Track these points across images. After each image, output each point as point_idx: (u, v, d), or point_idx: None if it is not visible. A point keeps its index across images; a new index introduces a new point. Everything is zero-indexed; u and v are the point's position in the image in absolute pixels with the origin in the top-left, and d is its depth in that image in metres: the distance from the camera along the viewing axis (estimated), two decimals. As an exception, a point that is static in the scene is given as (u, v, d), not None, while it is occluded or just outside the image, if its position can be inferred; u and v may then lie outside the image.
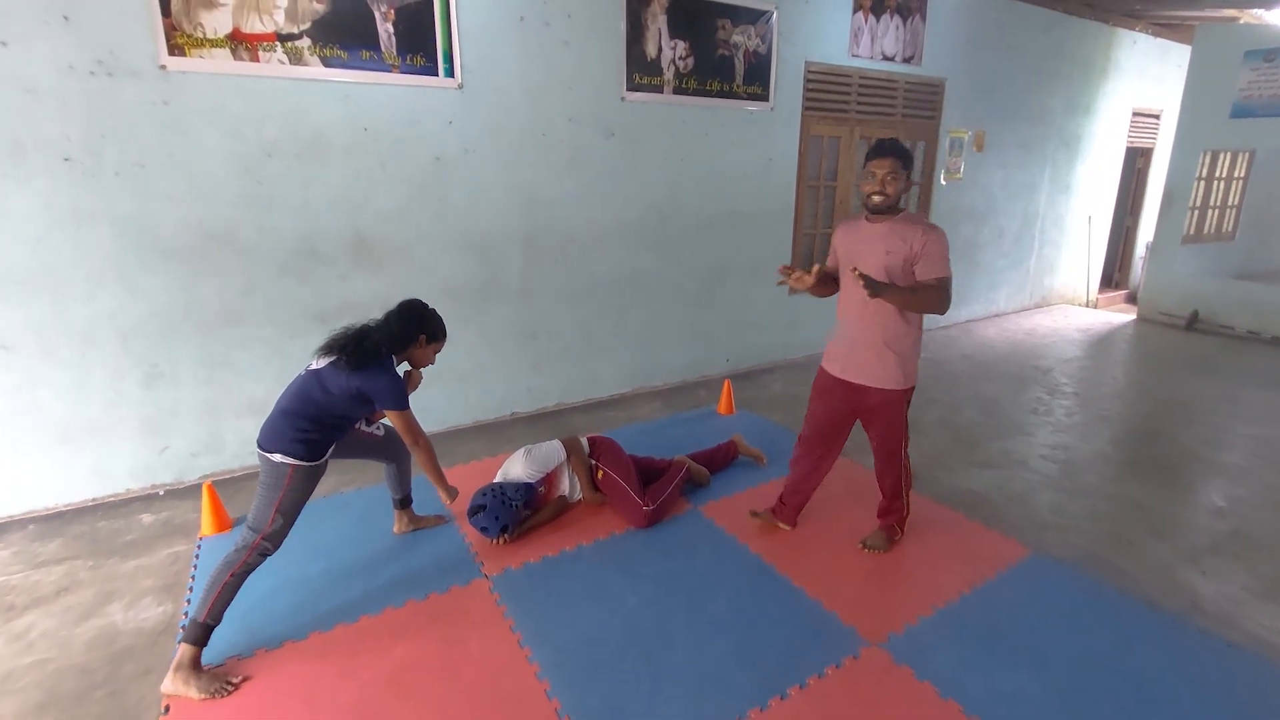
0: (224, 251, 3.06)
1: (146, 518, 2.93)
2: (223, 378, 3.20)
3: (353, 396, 2.19)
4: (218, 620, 2.00)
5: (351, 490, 3.13)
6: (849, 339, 2.36)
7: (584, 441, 3.01)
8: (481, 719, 1.85)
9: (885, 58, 5.04)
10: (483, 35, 3.43)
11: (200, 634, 1.96)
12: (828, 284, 2.39)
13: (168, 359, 3.06)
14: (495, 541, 2.66)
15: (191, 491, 3.13)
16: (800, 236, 5.15)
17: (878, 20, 4.89)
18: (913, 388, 2.40)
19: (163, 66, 2.76)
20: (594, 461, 2.95)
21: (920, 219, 2.23)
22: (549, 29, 3.60)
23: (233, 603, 2.08)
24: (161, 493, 3.14)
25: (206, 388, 3.18)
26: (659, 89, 4.06)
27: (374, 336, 2.26)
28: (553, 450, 2.88)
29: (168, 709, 1.88)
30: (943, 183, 5.90)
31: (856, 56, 4.91)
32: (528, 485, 2.77)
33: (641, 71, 3.96)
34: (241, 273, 3.12)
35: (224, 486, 3.16)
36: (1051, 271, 7.39)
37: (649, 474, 3.03)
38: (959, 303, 6.48)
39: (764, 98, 4.53)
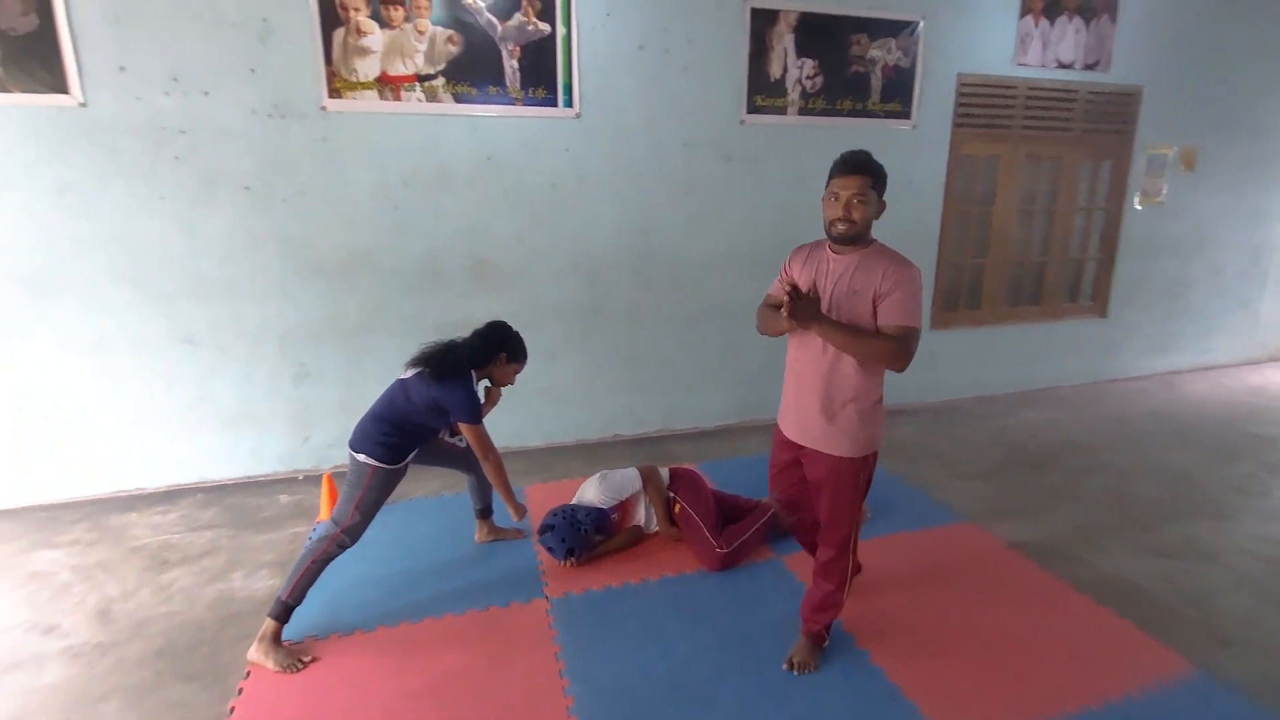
0: (363, 270, 3.44)
1: (284, 498, 3.34)
2: (357, 380, 3.57)
3: (431, 406, 2.32)
4: (298, 601, 2.19)
5: (450, 494, 3.33)
6: (796, 390, 1.97)
7: (664, 472, 2.92)
8: (502, 744, 1.84)
9: (1061, 65, 4.42)
10: (602, 66, 3.54)
11: (282, 611, 2.17)
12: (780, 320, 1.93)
13: (314, 361, 3.49)
14: (563, 563, 2.66)
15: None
16: (945, 266, 4.66)
17: (1052, 24, 4.31)
18: (870, 457, 1.95)
19: (323, 108, 3.19)
20: (672, 494, 2.85)
21: (894, 254, 1.85)
22: (668, 56, 3.63)
23: (324, 588, 2.30)
24: (300, 477, 3.57)
25: (344, 388, 3.57)
26: (782, 110, 3.90)
27: (458, 351, 2.39)
28: (628, 478, 2.84)
29: (248, 674, 2.10)
30: (1138, 207, 5.01)
31: (1023, 65, 4.36)
32: (600, 510, 2.75)
33: (764, 93, 3.84)
34: (377, 289, 3.48)
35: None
36: (1295, 316, 5.95)
37: (732, 513, 2.86)
38: (1156, 350, 5.44)
39: (904, 115, 4.18)
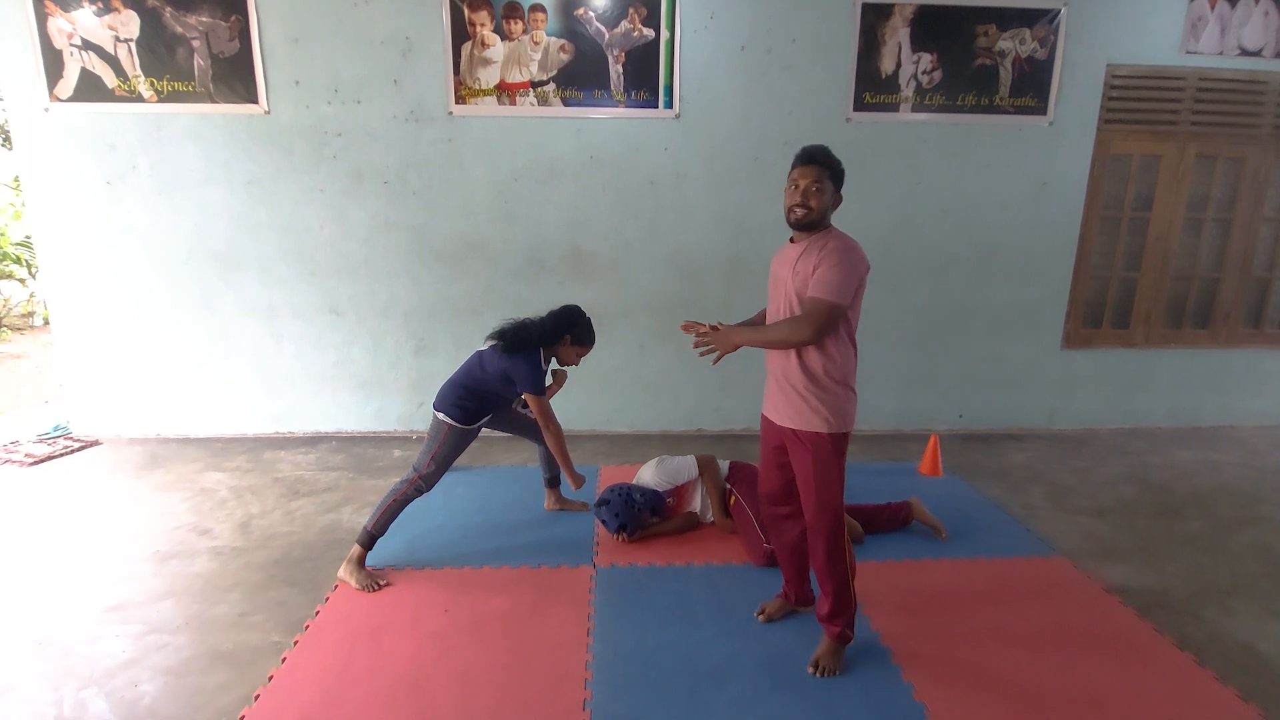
0: (476, 257, 3.84)
1: (397, 452, 3.83)
2: (464, 356, 3.84)
3: (501, 376, 2.58)
4: (381, 532, 2.54)
5: (533, 466, 3.60)
6: (771, 373, 2.10)
7: (724, 465, 2.97)
8: (520, 682, 2.01)
9: (1245, 52, 3.81)
10: (703, 68, 3.65)
11: (367, 539, 2.52)
12: None
13: (431, 336, 3.96)
14: (615, 537, 2.81)
15: (431, 442, 3.98)
16: (1085, 278, 4.19)
17: (1232, 6, 3.72)
18: (845, 435, 1.98)
19: (450, 113, 3.62)
20: (729, 486, 2.89)
21: (842, 236, 1.93)
22: (770, 56, 3.65)
23: (408, 529, 2.67)
24: (413, 437, 4.06)
25: (453, 362, 3.91)
26: (893, 107, 3.76)
27: (530, 329, 2.64)
28: (684, 465, 2.92)
29: (336, 587, 2.48)
30: (1355, 218, 4.16)
31: (1194, 53, 3.81)
32: (655, 493, 2.86)
33: (873, 90, 3.73)
34: (486, 274, 3.87)
35: (452, 442, 3.94)
36: None
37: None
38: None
39: (1039, 110, 3.84)
